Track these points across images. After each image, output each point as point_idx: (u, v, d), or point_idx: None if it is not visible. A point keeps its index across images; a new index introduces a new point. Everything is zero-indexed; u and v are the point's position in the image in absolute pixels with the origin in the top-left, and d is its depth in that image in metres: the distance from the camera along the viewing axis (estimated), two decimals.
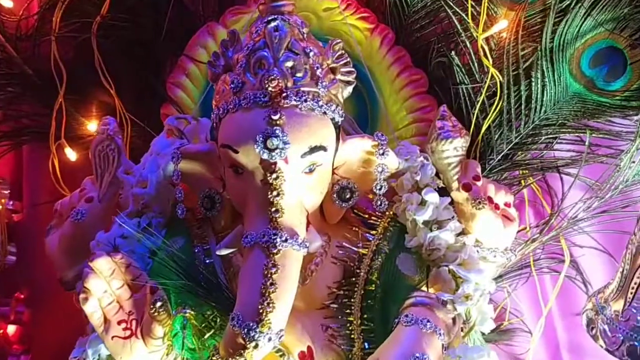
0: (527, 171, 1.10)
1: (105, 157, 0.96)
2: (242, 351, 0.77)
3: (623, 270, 0.69)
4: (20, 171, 1.29)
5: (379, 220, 0.97)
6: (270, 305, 0.77)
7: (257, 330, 0.76)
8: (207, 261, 0.92)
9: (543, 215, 1.18)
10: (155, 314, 0.81)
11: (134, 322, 0.83)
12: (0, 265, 1.27)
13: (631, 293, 0.63)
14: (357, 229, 0.96)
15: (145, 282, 0.83)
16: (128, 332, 0.83)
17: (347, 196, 0.94)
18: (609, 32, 0.97)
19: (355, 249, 0.94)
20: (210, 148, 0.92)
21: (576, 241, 1.21)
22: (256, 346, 0.76)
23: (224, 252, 0.88)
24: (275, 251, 0.80)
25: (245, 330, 0.76)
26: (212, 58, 0.92)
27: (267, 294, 0.78)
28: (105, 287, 0.82)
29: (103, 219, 0.97)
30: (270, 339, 0.77)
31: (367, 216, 0.98)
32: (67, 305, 1.30)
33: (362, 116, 1.09)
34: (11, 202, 1.29)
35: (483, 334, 1.02)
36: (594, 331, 0.72)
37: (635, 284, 0.63)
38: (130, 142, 1.10)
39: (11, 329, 1.36)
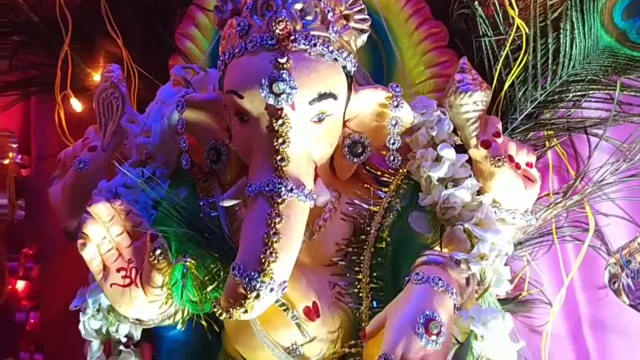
0: (552, 132, 1.05)
1: (109, 105, 0.94)
2: (242, 301, 0.75)
3: None
4: (28, 124, 1.29)
5: (392, 177, 0.93)
6: (273, 254, 0.75)
7: (259, 279, 0.74)
8: (212, 214, 0.90)
9: (568, 182, 1.13)
10: (155, 262, 0.79)
11: (133, 270, 0.81)
12: (9, 221, 1.26)
13: None
14: (368, 186, 0.93)
15: (145, 229, 0.82)
16: (127, 280, 0.81)
17: (359, 151, 0.90)
18: None
19: (366, 206, 0.91)
20: (217, 96, 0.89)
21: (601, 209, 1.16)
22: (257, 296, 0.74)
23: (228, 203, 0.85)
24: (279, 200, 0.77)
25: (247, 279, 0.74)
26: (219, 2, 0.89)
27: (270, 244, 0.75)
28: (104, 233, 0.80)
29: (106, 169, 0.95)
30: (272, 290, 0.75)
31: (379, 173, 0.94)
32: (76, 260, 1.31)
33: (377, 70, 1.04)
34: (19, 156, 1.28)
35: (500, 300, 0.99)
36: (616, 286, 0.68)
37: None
38: (138, 94, 1.07)
39: (20, 284, 1.36)
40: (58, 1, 1.03)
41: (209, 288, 0.83)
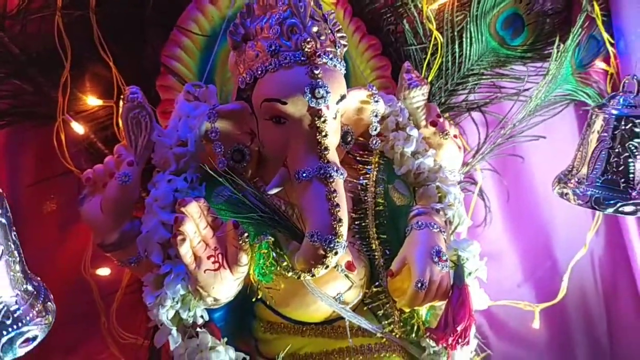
0: (447, 114, 1.41)
1: (137, 123, 1.02)
2: (323, 260, 0.93)
3: (581, 151, 1.00)
4: None
5: (370, 157, 1.19)
6: (340, 221, 0.94)
7: (335, 241, 0.94)
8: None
9: None
10: (242, 244, 0.93)
11: (220, 256, 0.94)
12: None
13: (590, 164, 0.95)
14: (355, 167, 1.17)
15: (221, 221, 0.95)
16: (217, 265, 0.94)
17: (349, 139, 1.13)
18: (513, 2, 1.32)
19: (357, 181, 1.15)
20: (242, 106, 1.04)
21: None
22: (336, 253, 0.93)
23: (274, 191, 1.02)
24: (332, 180, 0.96)
25: (326, 242, 0.93)
26: (232, 28, 1.05)
27: (335, 213, 0.94)
28: (194, 228, 0.92)
29: (139, 181, 1.04)
30: (343, 247, 0.95)
31: (357, 156, 1.19)
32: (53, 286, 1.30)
33: None
34: None
35: None
36: (567, 196, 1.02)
37: (592, 158, 0.95)
38: None
39: None
40: (57, 31, 1.05)
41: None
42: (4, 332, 0.58)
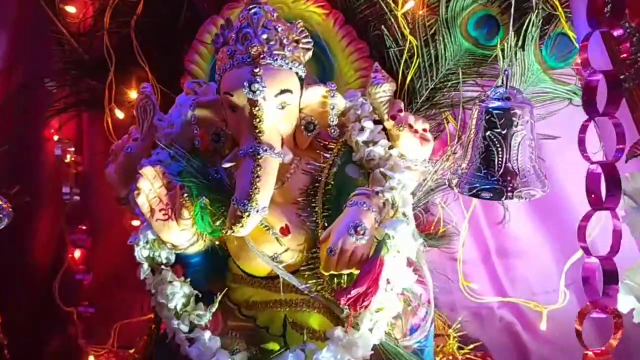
0: (445, 109, 1.46)
1: (144, 110, 1.33)
2: (240, 220, 1.13)
3: (464, 143, 1.03)
4: (80, 133, 1.68)
5: (334, 144, 1.33)
6: (257, 189, 1.13)
7: (248, 205, 1.13)
8: (218, 176, 1.29)
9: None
10: (184, 201, 1.18)
11: (170, 210, 1.19)
12: (69, 204, 1.66)
13: (469, 157, 0.97)
14: (319, 152, 1.33)
15: (175, 183, 1.21)
16: (166, 216, 1.19)
17: (311, 128, 1.29)
18: (483, 5, 1.34)
19: (318, 164, 1.30)
20: (216, 98, 1.28)
21: None
22: (248, 215, 1.13)
23: (226, 165, 1.24)
24: (259, 157, 1.15)
25: (242, 205, 1.13)
26: (214, 38, 1.30)
27: (254, 183, 1.13)
28: (150, 186, 1.19)
29: (144, 153, 1.31)
30: (257, 211, 1.13)
31: (326, 143, 1.34)
32: (118, 234, 1.70)
33: (322, 76, 1.45)
34: (73, 157, 1.69)
35: (426, 235, 1.36)
36: (454, 185, 1.05)
37: (469, 152, 0.97)
38: (160, 104, 1.47)
39: (77, 253, 1.75)
40: (105, 44, 1.44)
41: (218, 222, 1.22)
42: None
